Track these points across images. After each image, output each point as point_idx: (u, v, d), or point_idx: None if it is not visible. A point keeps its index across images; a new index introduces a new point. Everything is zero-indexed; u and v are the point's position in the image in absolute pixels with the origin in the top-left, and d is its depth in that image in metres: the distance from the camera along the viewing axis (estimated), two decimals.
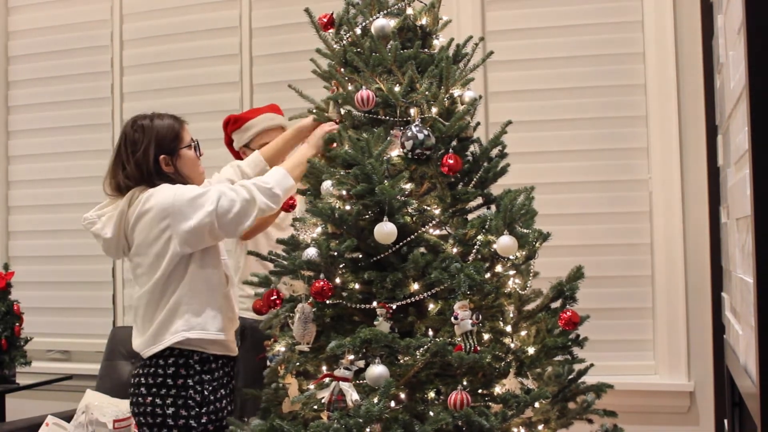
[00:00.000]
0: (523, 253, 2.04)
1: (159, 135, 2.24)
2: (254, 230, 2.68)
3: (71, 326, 4.03)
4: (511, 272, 2.04)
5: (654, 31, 3.21)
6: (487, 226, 1.98)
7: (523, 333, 2.07)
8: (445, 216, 2.05)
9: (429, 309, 1.95)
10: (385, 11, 2.21)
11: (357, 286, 1.99)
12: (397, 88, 2.07)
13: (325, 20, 2.27)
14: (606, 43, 3.29)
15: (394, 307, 1.91)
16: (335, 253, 1.96)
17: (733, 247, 2.26)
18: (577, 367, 2.14)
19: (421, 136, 1.98)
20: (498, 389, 1.92)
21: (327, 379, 1.87)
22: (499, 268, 2.01)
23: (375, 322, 1.87)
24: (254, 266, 2.74)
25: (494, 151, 2.14)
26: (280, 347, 2.13)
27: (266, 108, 3.00)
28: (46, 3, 4.20)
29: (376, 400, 1.74)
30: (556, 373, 2.12)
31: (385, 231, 1.88)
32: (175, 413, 2.13)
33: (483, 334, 1.95)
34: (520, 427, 1.96)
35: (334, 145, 2.19)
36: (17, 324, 3.51)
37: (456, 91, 2.14)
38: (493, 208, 2.13)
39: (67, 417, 3.27)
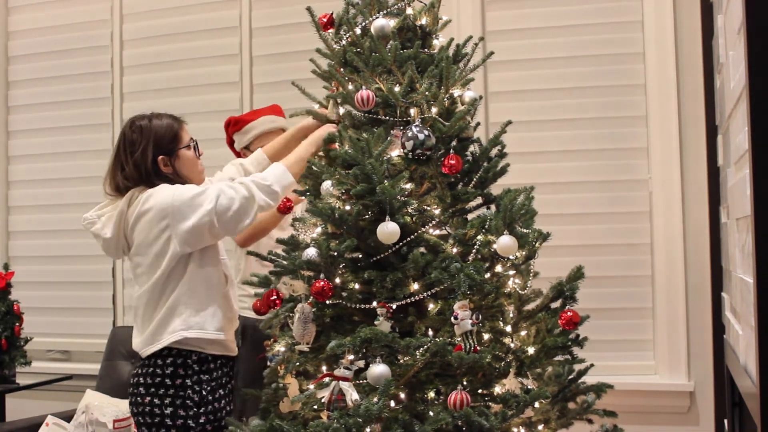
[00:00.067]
0: (523, 253, 2.03)
1: (157, 136, 2.23)
2: (253, 236, 2.68)
3: (71, 326, 4.03)
4: (511, 272, 2.03)
5: (654, 31, 3.21)
6: (487, 226, 1.98)
7: (523, 333, 2.07)
8: (445, 216, 2.05)
9: (429, 309, 1.95)
10: (384, 11, 2.20)
11: (357, 286, 1.99)
12: (397, 88, 2.07)
13: (324, 20, 2.26)
14: (606, 43, 3.29)
15: (394, 306, 1.91)
16: (335, 253, 1.95)
17: (733, 247, 2.26)
18: (577, 367, 2.14)
19: (421, 136, 1.98)
20: (498, 389, 1.92)
21: (327, 379, 1.87)
22: (499, 268, 2.01)
23: (375, 322, 1.87)
24: (255, 267, 2.73)
25: (494, 151, 2.14)
26: (280, 347, 2.13)
27: (267, 109, 2.99)
28: (46, 3, 4.20)
29: (375, 400, 1.73)
30: (556, 373, 2.12)
31: (388, 231, 1.88)
32: (173, 413, 2.13)
33: (483, 334, 1.94)
34: (520, 427, 1.96)
35: (335, 145, 2.19)
36: (17, 324, 3.51)
37: (456, 91, 2.13)
38: (493, 208, 2.12)
39: (67, 417, 3.27)
